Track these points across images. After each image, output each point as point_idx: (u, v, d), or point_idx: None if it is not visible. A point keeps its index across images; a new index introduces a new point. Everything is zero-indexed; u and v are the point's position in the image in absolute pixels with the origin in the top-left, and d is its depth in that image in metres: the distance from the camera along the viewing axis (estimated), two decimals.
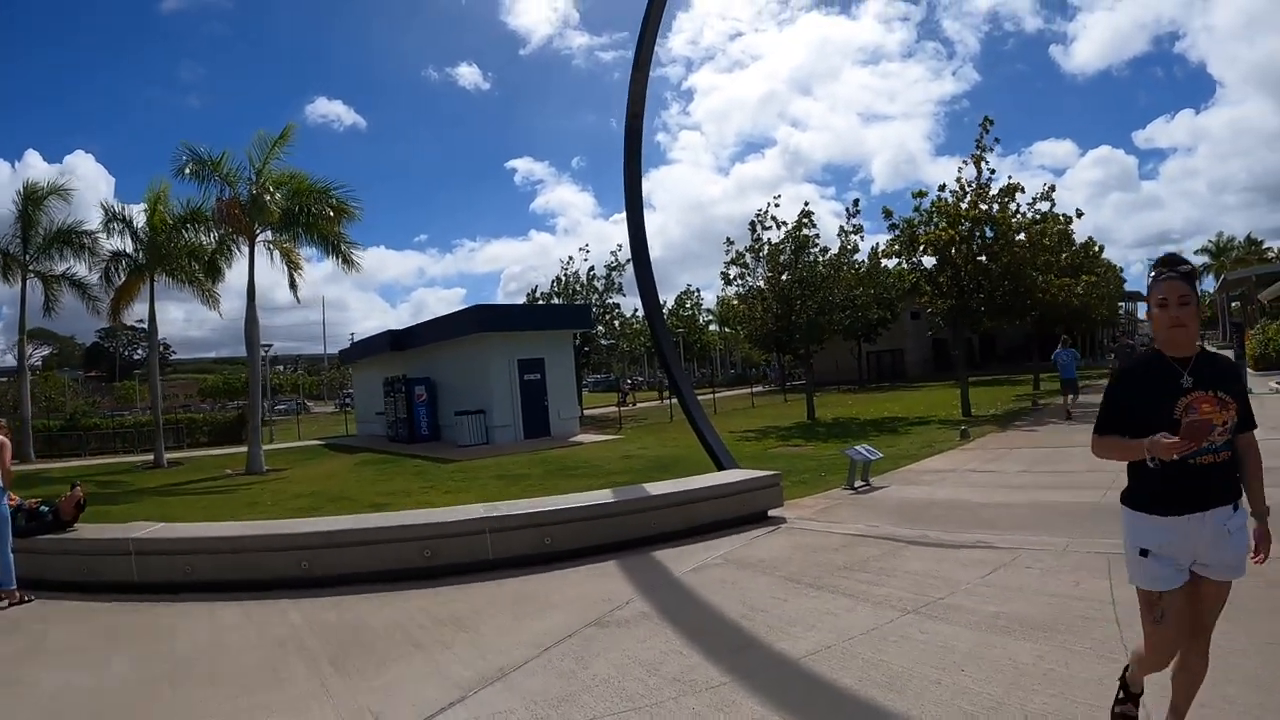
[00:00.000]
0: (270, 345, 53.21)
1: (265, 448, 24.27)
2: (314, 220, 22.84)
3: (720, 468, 11.08)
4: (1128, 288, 62.14)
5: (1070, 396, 19.29)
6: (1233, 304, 61.85)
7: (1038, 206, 23.72)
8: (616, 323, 38.40)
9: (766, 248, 26.64)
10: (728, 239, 27.75)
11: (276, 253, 24.02)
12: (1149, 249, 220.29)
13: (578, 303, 35.26)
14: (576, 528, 7.98)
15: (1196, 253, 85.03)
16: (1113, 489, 9.32)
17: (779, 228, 26.52)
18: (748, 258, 27.20)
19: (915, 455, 14.58)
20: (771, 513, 9.28)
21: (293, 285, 24.68)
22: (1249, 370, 24.12)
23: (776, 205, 26.75)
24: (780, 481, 9.60)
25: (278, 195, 22.18)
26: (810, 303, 26.16)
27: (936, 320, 26.55)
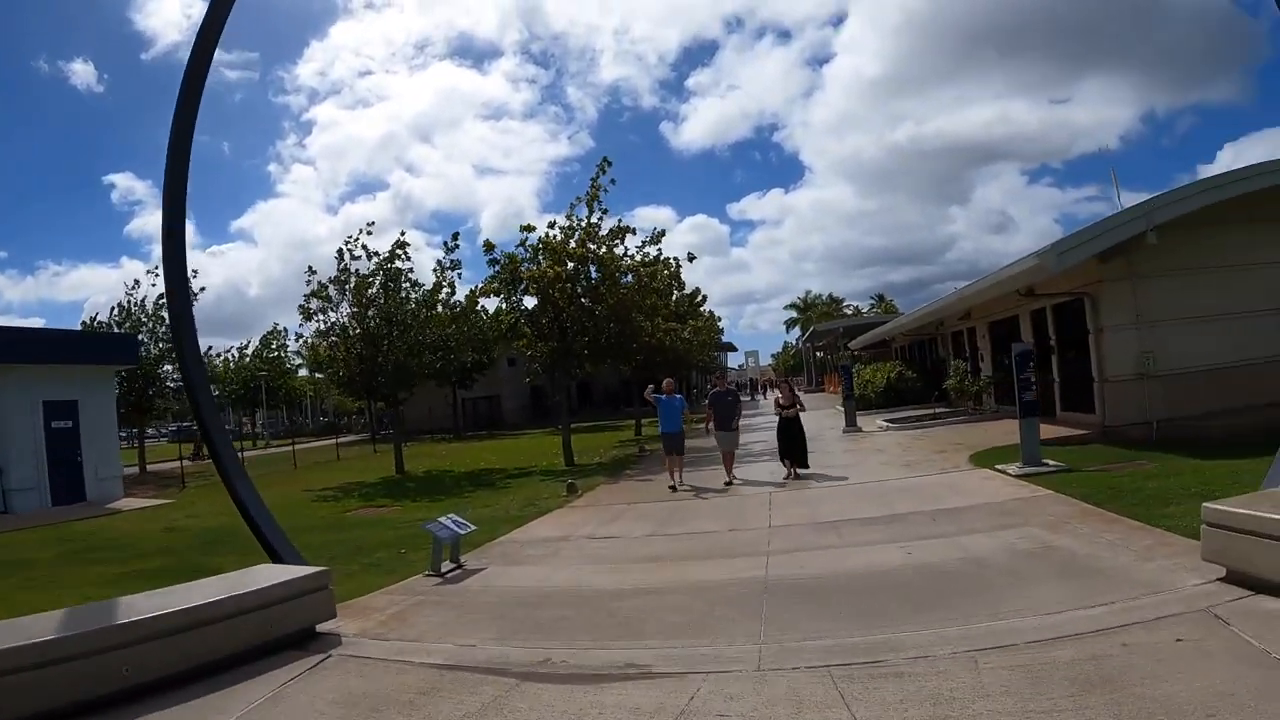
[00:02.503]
0: None
1: None
2: None
3: (274, 556, 8.05)
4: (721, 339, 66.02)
5: (677, 470, 14.30)
6: (818, 353, 68.92)
7: (647, 250, 22.82)
8: None
9: (354, 279, 23.17)
10: (309, 267, 23.71)
11: None
12: (734, 307, 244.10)
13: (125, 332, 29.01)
14: None
15: (786, 307, 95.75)
16: (774, 553, 7.43)
17: (370, 258, 23.26)
18: (331, 290, 23.41)
19: (519, 518, 12.25)
20: (321, 628, 6.26)
21: None
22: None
23: (369, 234, 23.43)
24: (329, 581, 6.56)
25: None
26: (399, 343, 23.21)
27: (535, 367, 24.86)
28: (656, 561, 8.25)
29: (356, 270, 23.05)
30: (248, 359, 56.81)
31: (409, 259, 23.65)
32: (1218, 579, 5.55)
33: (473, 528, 9.23)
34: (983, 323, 23.79)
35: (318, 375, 27.24)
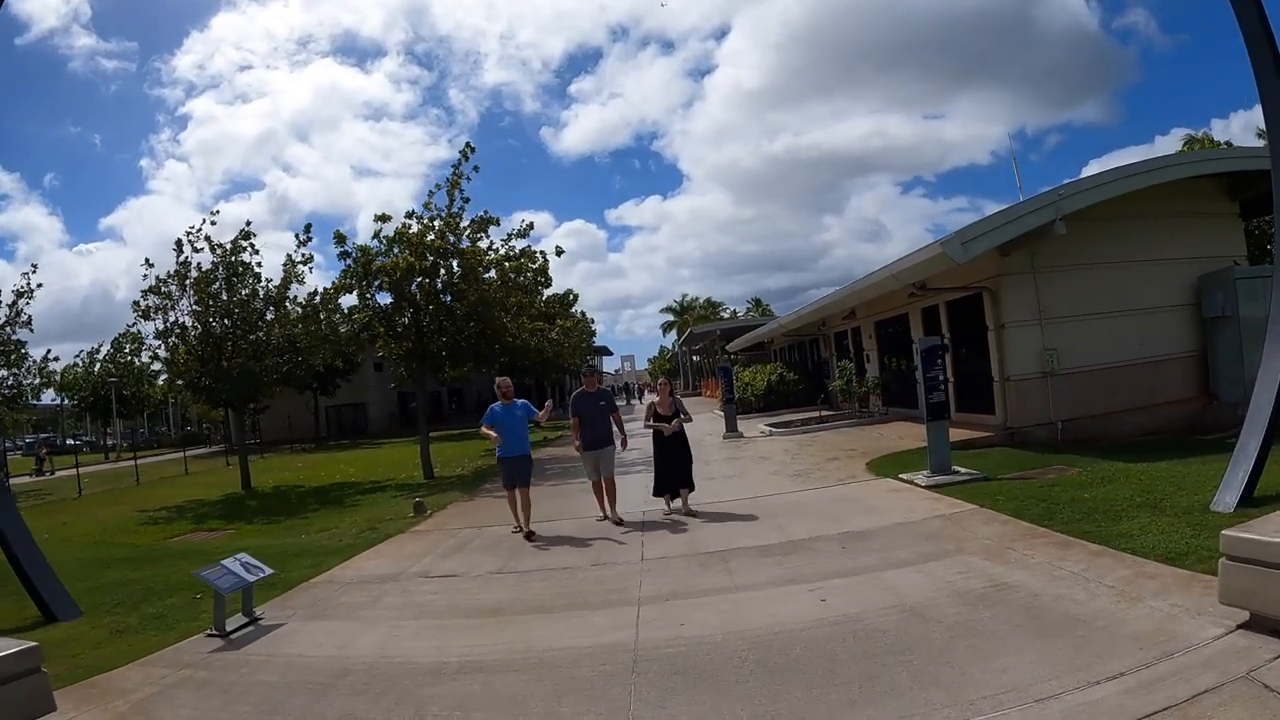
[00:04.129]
0: None
1: None
2: None
3: (39, 603, 6.36)
4: (595, 342, 64.22)
5: (522, 510, 9.98)
6: (695, 356, 68.20)
7: (512, 243, 20.80)
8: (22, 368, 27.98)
9: (195, 273, 20.40)
10: (146, 259, 20.72)
11: None
12: (612, 311, 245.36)
13: None
14: None
15: (662, 310, 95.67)
16: (647, 600, 6.27)
17: (213, 250, 20.52)
18: (171, 285, 20.54)
19: (350, 548, 10.18)
20: None
21: None
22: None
23: (213, 223, 20.64)
24: (40, 661, 4.67)
25: None
26: (243, 344, 20.62)
27: (400, 372, 22.61)
28: (496, 616, 6.33)
29: (198, 264, 20.40)
30: (98, 364, 52.06)
31: (257, 251, 21.08)
32: (1239, 626, 4.24)
33: (267, 572, 7.15)
34: (869, 321, 22.73)
35: (178, 382, 24.07)
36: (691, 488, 10.47)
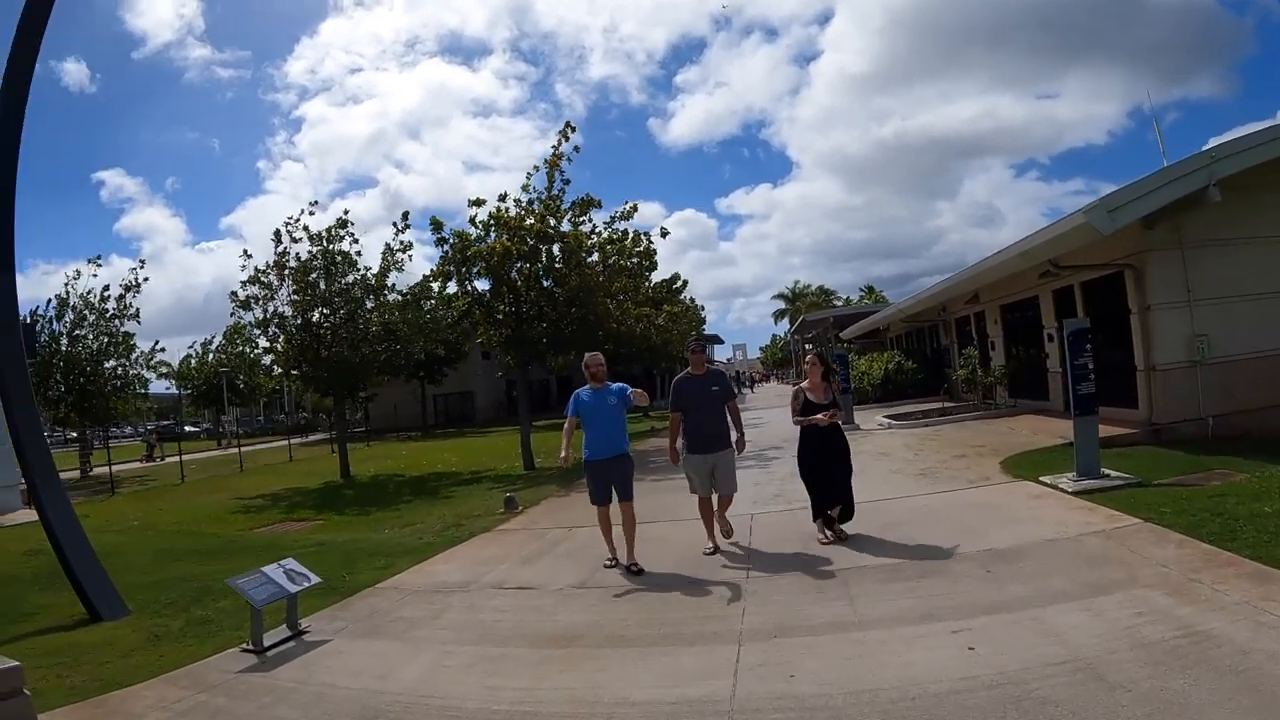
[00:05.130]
0: None
1: None
2: None
3: (85, 601, 6.96)
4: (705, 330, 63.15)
5: (613, 539, 7.86)
6: (807, 345, 66.63)
7: (616, 226, 19.93)
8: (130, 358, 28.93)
9: (294, 263, 20.33)
10: (245, 250, 20.87)
11: None
12: (723, 300, 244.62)
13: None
14: None
15: (773, 298, 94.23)
16: (750, 636, 5.26)
17: (312, 240, 20.43)
18: (270, 275, 20.54)
19: (428, 546, 9.45)
20: None
21: None
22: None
23: (311, 213, 20.61)
24: (21, 683, 4.05)
25: None
26: (342, 333, 20.44)
27: (507, 360, 22.13)
28: (566, 647, 5.34)
29: (297, 254, 20.30)
30: (211, 355, 54.01)
31: (357, 240, 20.91)
32: None
33: (313, 581, 6.40)
34: (993, 306, 21.02)
35: (278, 370, 24.45)
36: (851, 512, 7.86)
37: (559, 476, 15.76)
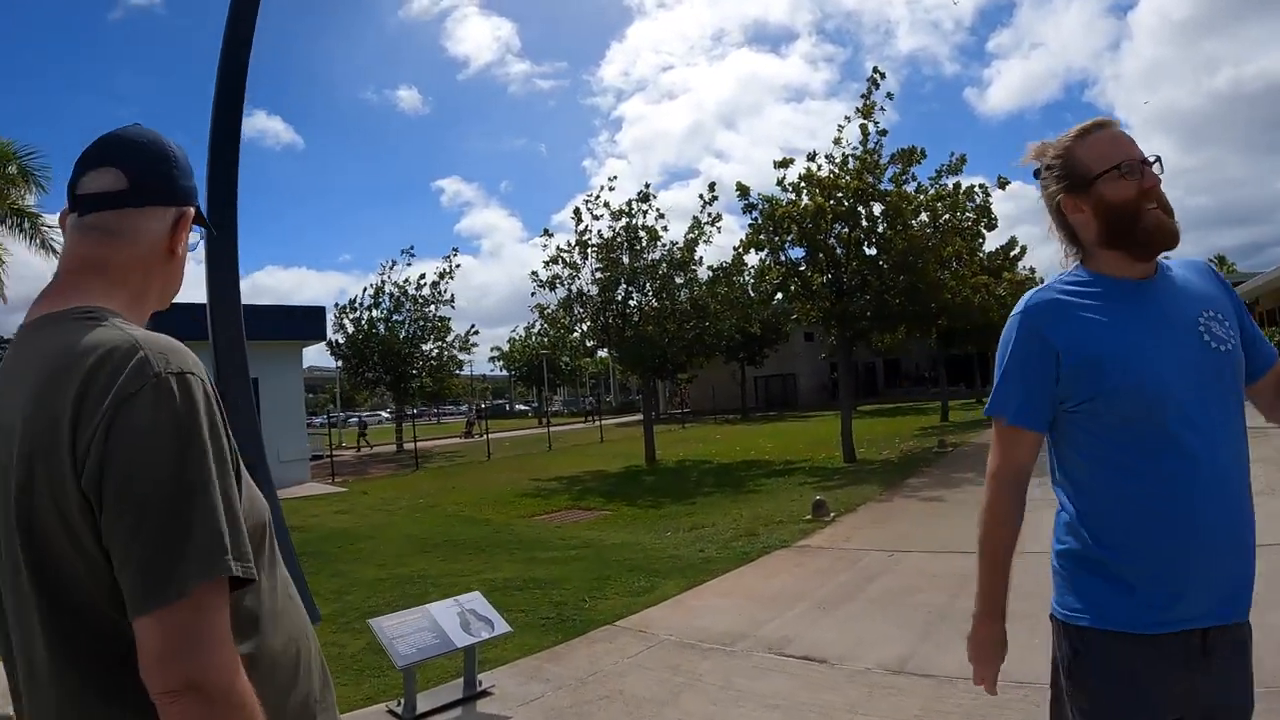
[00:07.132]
0: None
1: None
2: None
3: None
4: None
5: None
6: None
7: (943, 181, 16.95)
8: (448, 339, 30.20)
9: (595, 240, 19.48)
10: (545, 230, 20.40)
11: None
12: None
13: (312, 306, 27.45)
14: None
15: None
16: None
17: (614, 216, 19.44)
18: (575, 254, 19.85)
19: (706, 564, 7.43)
20: None
21: None
22: None
23: (611, 189, 19.62)
24: None
25: None
26: (648, 310, 19.32)
27: (829, 340, 19.95)
28: None
29: (599, 231, 19.41)
30: (532, 337, 56.79)
31: (663, 215, 19.58)
32: None
33: (498, 631, 4.43)
34: None
35: (589, 344, 24.26)
36: None
37: (882, 472, 13.31)
